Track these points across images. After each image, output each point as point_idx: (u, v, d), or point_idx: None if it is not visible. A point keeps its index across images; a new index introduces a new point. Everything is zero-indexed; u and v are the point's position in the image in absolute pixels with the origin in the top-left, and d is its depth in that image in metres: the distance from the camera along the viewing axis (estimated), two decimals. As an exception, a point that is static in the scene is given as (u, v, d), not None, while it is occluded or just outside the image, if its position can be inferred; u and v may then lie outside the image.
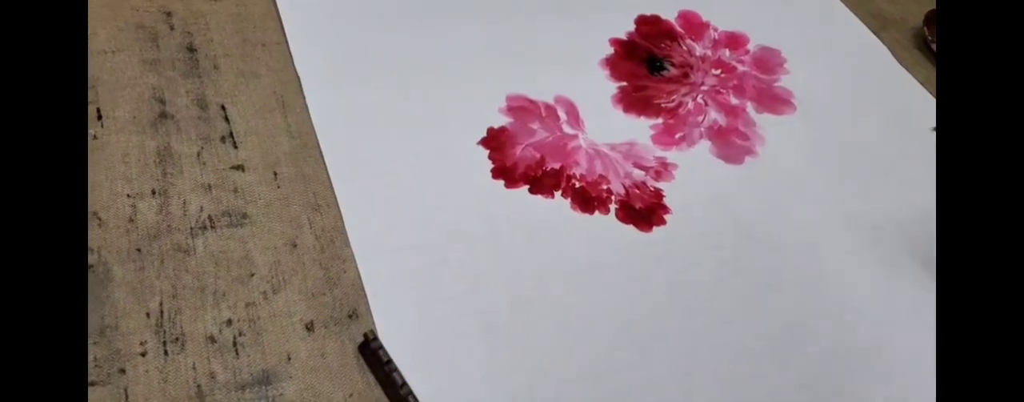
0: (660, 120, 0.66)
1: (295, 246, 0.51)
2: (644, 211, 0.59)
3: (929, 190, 0.65)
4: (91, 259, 0.47)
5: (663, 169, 0.62)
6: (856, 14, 0.83)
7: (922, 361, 0.54)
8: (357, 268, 0.51)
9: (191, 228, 0.50)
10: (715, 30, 0.76)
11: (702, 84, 0.71)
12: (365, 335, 0.47)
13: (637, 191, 0.60)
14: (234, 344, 0.46)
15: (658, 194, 0.60)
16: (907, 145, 0.70)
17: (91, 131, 0.53)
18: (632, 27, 0.74)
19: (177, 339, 0.46)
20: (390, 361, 0.46)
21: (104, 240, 0.48)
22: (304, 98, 0.59)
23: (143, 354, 0.45)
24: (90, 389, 0.43)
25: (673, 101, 0.69)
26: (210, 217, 0.51)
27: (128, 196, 0.51)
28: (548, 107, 0.64)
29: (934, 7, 0.83)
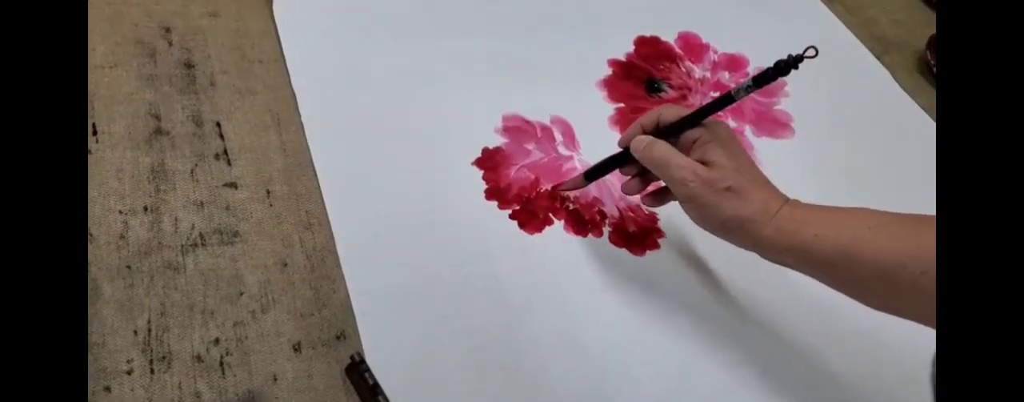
0: (657, 142, 0.66)
1: (285, 265, 0.51)
2: (638, 234, 0.59)
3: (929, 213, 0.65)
4: (81, 275, 0.47)
5: (658, 192, 0.62)
6: (858, 37, 0.82)
7: (916, 387, 0.53)
8: (346, 289, 0.51)
9: (182, 245, 0.50)
10: (715, 52, 0.76)
11: (700, 106, 0.71)
12: (352, 357, 0.46)
13: (631, 214, 0.60)
14: (221, 363, 0.46)
15: (652, 218, 0.60)
16: (907, 170, 0.69)
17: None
18: (631, 48, 0.74)
19: (164, 357, 0.46)
20: (376, 384, 0.45)
21: (94, 256, 0.48)
22: (299, 116, 0.59)
23: (129, 372, 0.45)
24: (74, 407, 0.43)
25: (671, 123, 0.68)
26: (201, 235, 0.51)
27: (120, 212, 0.51)
28: (544, 127, 0.64)
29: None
